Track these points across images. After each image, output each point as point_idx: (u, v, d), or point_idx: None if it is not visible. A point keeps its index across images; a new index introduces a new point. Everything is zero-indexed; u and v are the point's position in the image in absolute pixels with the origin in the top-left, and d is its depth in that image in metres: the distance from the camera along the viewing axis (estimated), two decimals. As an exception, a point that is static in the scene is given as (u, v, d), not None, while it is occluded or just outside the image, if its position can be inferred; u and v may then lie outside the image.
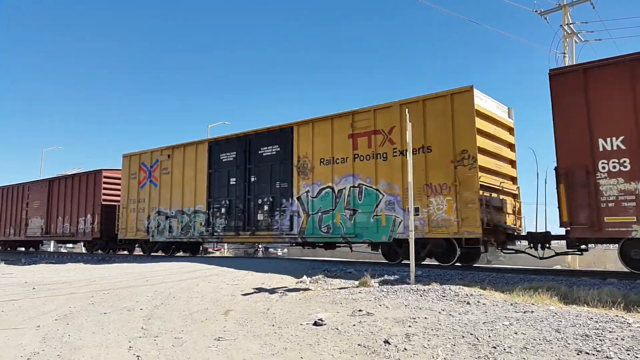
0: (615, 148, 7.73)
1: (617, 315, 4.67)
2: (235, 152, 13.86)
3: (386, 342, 4.22)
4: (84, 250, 26.15)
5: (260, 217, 12.96)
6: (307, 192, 11.91)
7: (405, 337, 4.32)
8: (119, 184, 18.18)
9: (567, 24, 20.42)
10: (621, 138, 7.70)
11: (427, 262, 10.83)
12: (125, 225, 17.12)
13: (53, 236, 21.03)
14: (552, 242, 9.40)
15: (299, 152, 12.25)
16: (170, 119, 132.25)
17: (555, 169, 8.24)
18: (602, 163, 7.81)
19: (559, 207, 8.16)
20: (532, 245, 9.57)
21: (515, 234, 10.35)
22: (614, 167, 7.72)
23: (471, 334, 4.24)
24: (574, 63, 20.51)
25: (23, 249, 25.96)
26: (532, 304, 5.39)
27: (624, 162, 7.65)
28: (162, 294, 7.27)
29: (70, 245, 30.40)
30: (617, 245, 8.03)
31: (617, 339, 3.85)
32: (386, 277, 8.12)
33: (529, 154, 41.29)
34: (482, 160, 9.48)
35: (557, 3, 20.94)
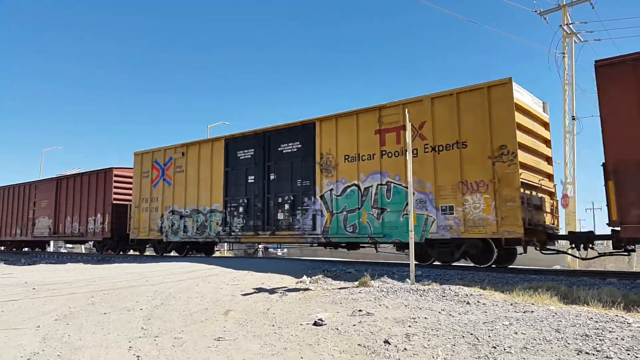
0: None
1: (617, 315, 4.67)
2: (253, 149, 13.45)
3: (386, 342, 4.22)
4: (91, 250, 26.03)
5: (280, 216, 12.57)
6: (331, 190, 11.51)
7: (405, 337, 4.32)
8: (130, 183, 17.80)
9: (567, 24, 20.45)
10: None
11: (420, 262, 10.72)
12: (137, 224, 16.63)
13: (61, 236, 20.68)
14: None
15: (321, 149, 11.82)
16: (170, 119, 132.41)
17: (603, 165, 7.71)
18: None
19: (607, 205, 7.64)
20: (574, 245, 9.20)
21: (555, 233, 10.02)
22: None
23: (471, 334, 4.24)
24: (573, 63, 20.52)
25: (28, 249, 25.43)
26: (532, 304, 5.39)
27: None
28: (162, 294, 7.27)
29: (70, 245, 30.39)
30: None
31: (617, 338, 3.85)
32: (386, 277, 8.12)
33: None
34: (521, 156, 9.04)
35: (556, 3, 20.97)
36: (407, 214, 9.81)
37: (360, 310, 5.47)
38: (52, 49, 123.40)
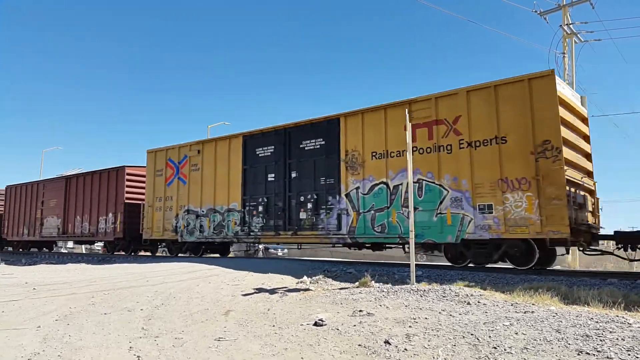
0: None
1: (617, 316, 4.67)
2: (272, 147, 12.97)
3: (386, 342, 4.22)
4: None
5: (303, 215, 12.08)
6: (357, 188, 11.04)
7: (405, 338, 4.32)
8: (142, 182, 17.25)
9: (567, 24, 20.45)
10: None
11: (423, 262, 10.68)
12: (150, 224, 16.08)
13: (70, 236, 20.21)
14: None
15: (346, 146, 11.38)
16: (170, 119, 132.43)
17: None
18: None
19: None
20: (620, 246, 8.86)
21: (598, 233, 9.68)
22: None
23: (472, 334, 4.24)
24: (574, 63, 20.53)
25: (36, 249, 24.82)
26: (533, 304, 5.39)
27: None
28: (163, 294, 7.27)
29: (70, 245, 30.35)
30: None
31: (617, 339, 3.85)
32: (386, 277, 8.12)
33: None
34: (565, 152, 8.63)
35: (556, 3, 20.97)
36: (441, 213, 9.60)
37: (360, 311, 5.47)
38: (52, 49, 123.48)
